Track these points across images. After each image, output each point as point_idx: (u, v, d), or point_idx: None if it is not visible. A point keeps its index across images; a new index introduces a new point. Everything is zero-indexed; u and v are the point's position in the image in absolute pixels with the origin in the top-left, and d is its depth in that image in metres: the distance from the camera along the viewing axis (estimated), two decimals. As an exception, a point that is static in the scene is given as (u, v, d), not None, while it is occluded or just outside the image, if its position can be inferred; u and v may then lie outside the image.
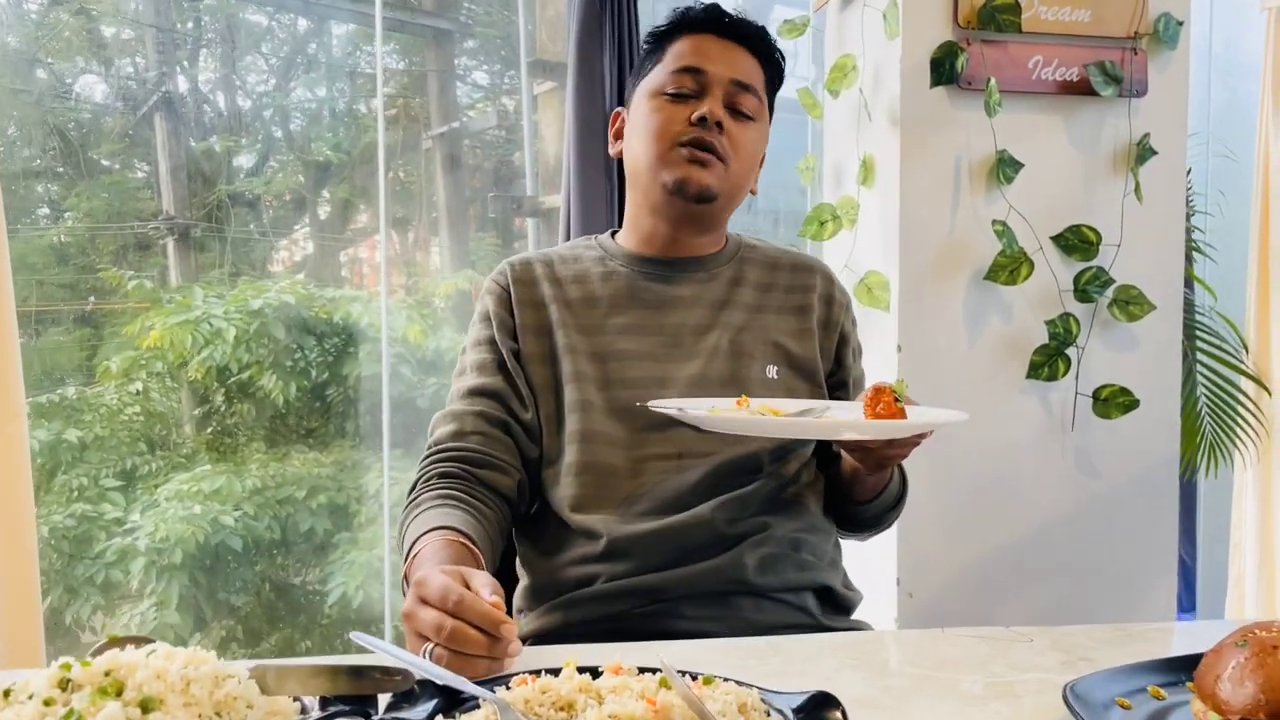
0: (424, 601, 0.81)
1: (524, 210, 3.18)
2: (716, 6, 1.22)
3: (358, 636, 0.76)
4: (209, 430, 3.20)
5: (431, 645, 0.79)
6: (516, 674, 0.73)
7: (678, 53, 1.19)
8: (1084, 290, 1.90)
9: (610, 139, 1.29)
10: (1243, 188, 2.81)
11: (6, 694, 0.61)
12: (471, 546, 0.97)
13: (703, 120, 1.14)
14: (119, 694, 0.60)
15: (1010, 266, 1.86)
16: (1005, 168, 1.86)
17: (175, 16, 3.22)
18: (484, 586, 0.82)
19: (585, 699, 0.69)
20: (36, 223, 3.10)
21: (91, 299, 3.17)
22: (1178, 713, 0.74)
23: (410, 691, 0.68)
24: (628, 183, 1.25)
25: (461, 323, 3.22)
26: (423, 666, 0.71)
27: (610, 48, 2.20)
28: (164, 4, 3.17)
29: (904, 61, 1.87)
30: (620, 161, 1.28)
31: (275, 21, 3.50)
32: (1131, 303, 1.91)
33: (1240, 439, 2.60)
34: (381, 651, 0.74)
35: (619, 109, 1.29)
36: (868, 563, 1.93)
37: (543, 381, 1.16)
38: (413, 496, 1.09)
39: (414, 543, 0.98)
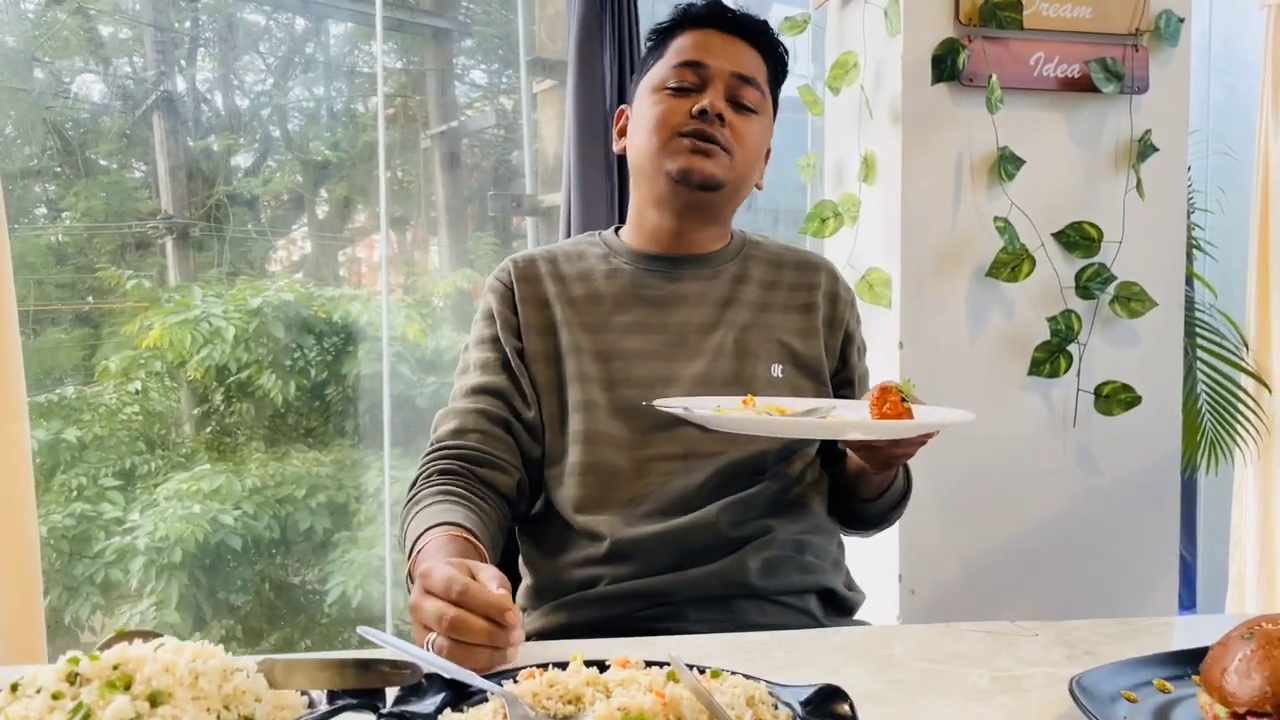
0: (428, 593, 0.81)
1: (523, 209, 3.18)
2: (718, 2, 1.22)
3: (365, 630, 0.76)
4: (208, 429, 3.19)
5: (434, 635, 0.79)
6: (524, 667, 0.73)
7: (679, 47, 1.19)
8: (1085, 287, 1.91)
9: (614, 136, 1.29)
10: (1242, 185, 2.81)
11: (14, 688, 0.61)
12: (475, 541, 0.97)
13: (704, 113, 1.14)
14: (127, 688, 0.59)
15: (1012, 263, 1.86)
16: (1007, 164, 1.86)
17: (173, 16, 3.22)
18: (491, 580, 0.82)
19: (593, 692, 0.68)
20: (35, 222, 3.10)
21: (90, 298, 3.16)
22: (1184, 706, 0.74)
23: (418, 685, 0.68)
24: (632, 178, 1.25)
25: (460, 321, 3.22)
26: (430, 660, 0.71)
27: (610, 46, 2.20)
28: (162, 3, 3.17)
29: (905, 58, 1.87)
30: (622, 159, 1.28)
31: (273, 21, 3.50)
32: (1133, 299, 1.91)
33: (1240, 436, 2.60)
34: (388, 645, 0.73)
35: (623, 106, 1.29)
36: (870, 560, 1.93)
37: (546, 380, 1.16)
38: (413, 493, 1.09)
39: (417, 539, 0.97)
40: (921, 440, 1.02)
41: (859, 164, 1.98)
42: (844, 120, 2.08)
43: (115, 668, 0.61)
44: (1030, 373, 1.91)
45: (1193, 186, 2.50)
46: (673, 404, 1.02)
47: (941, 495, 1.90)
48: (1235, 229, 2.84)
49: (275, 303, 3.07)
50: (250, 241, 3.41)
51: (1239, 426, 2.59)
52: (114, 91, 3.25)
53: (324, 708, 0.65)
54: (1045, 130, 1.92)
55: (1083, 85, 1.90)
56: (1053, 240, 1.91)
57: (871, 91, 1.97)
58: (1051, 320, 1.90)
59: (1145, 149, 1.92)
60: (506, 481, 1.12)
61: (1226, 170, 3.00)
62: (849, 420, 1.02)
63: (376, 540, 3.04)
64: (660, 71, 1.19)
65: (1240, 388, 2.61)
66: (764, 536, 1.12)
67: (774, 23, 1.26)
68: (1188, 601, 2.83)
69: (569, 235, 2.22)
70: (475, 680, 0.70)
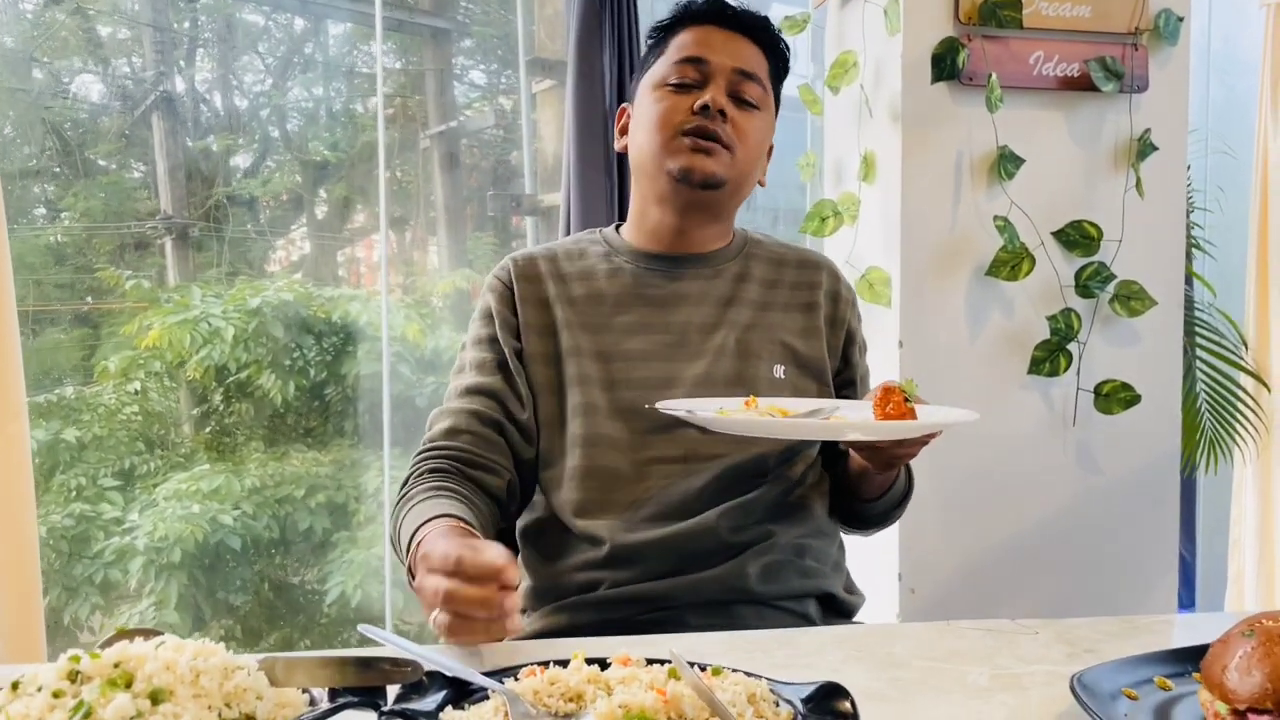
0: (430, 572, 0.81)
1: (522, 209, 3.18)
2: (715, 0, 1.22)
3: (366, 628, 0.76)
4: (207, 429, 3.19)
5: (436, 612, 0.79)
6: (525, 665, 0.73)
7: (680, 44, 1.19)
8: (1085, 286, 1.91)
9: (615, 135, 1.28)
10: (1241, 184, 2.81)
11: (15, 686, 0.61)
12: (473, 531, 0.97)
13: (705, 108, 1.14)
14: (128, 686, 0.59)
15: (1011, 262, 1.86)
16: (1006, 163, 1.86)
17: (172, 16, 3.22)
18: (489, 547, 0.81)
19: (594, 690, 0.68)
20: (34, 222, 3.10)
21: (89, 299, 3.16)
22: (1185, 703, 0.74)
23: (419, 683, 0.68)
24: (633, 176, 1.24)
25: (460, 321, 3.22)
26: (430, 658, 0.71)
27: (610, 45, 2.20)
28: (161, 3, 3.17)
29: (905, 57, 1.87)
30: (622, 158, 1.27)
31: (272, 21, 3.50)
32: (1133, 298, 1.91)
33: (1239, 435, 2.60)
34: (389, 643, 0.73)
35: (624, 105, 1.28)
36: (870, 559, 1.93)
37: (545, 382, 1.15)
38: (405, 491, 1.08)
39: (415, 531, 0.98)
40: (925, 440, 1.02)
41: (859, 163, 1.98)
42: (844, 119, 2.08)
43: (116, 665, 0.61)
44: (1030, 371, 1.91)
45: (1192, 185, 2.51)
46: (676, 406, 1.02)
47: (941, 494, 1.90)
48: (1234, 228, 2.84)
49: (274, 303, 3.06)
50: (249, 241, 3.41)
51: (1238, 425, 2.59)
52: (113, 92, 3.25)
53: (325, 705, 0.65)
54: (1045, 129, 1.92)
55: (1082, 84, 1.90)
56: (1052, 239, 1.92)
57: (871, 90, 1.97)
58: (1051, 319, 1.90)
59: (1145, 148, 1.92)
60: (497, 483, 1.11)
61: (1226, 169, 3.00)
62: (852, 421, 1.02)
63: (376, 540, 3.04)
64: (661, 68, 1.19)
65: (1239, 386, 2.61)
66: (764, 542, 1.12)
67: (774, 22, 1.26)
68: (1187, 600, 2.83)
69: (569, 235, 2.22)
70: (477, 678, 0.70)
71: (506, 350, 1.16)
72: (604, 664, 0.73)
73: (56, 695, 0.59)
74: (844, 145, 2.08)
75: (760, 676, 0.71)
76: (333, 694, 0.66)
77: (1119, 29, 1.91)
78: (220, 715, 0.60)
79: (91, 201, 3.10)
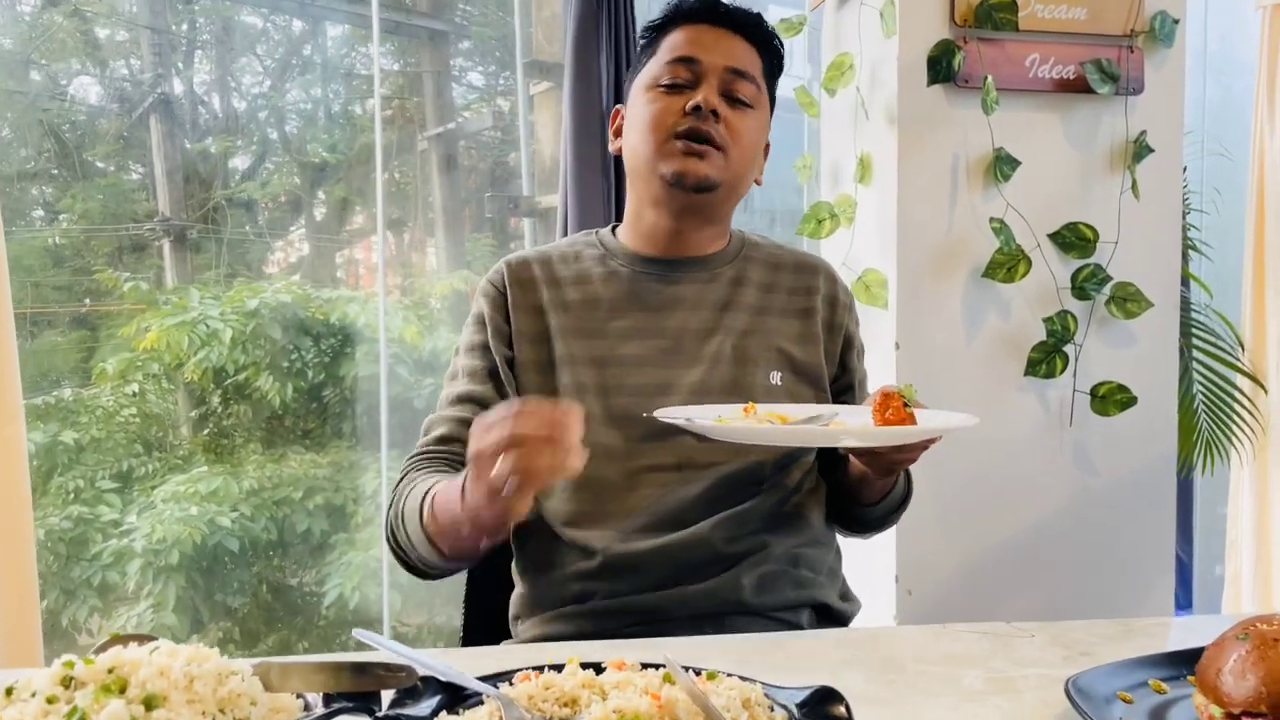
0: (485, 430, 0.83)
1: (520, 210, 3.18)
2: None
3: (360, 633, 0.76)
4: (205, 432, 3.19)
5: (497, 471, 0.80)
6: (519, 670, 0.73)
7: (672, 44, 1.18)
8: (1081, 288, 1.91)
9: (610, 136, 1.27)
10: (1238, 186, 2.82)
11: (9, 691, 0.61)
12: None
13: (697, 109, 1.12)
14: (122, 691, 0.59)
15: (1008, 264, 1.86)
16: (1002, 165, 1.87)
17: (170, 18, 3.22)
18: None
19: (589, 694, 0.69)
20: (31, 224, 3.10)
21: (87, 301, 3.16)
22: (1179, 706, 0.75)
23: (414, 688, 0.68)
24: (628, 178, 1.23)
25: (458, 323, 3.21)
26: (425, 663, 0.71)
27: (607, 47, 2.20)
28: (159, 5, 3.17)
29: (901, 60, 1.87)
30: (619, 160, 1.27)
31: (270, 23, 3.50)
32: (1129, 300, 1.91)
33: (1236, 436, 2.60)
34: (384, 648, 0.73)
35: (618, 106, 1.27)
36: (867, 561, 1.93)
37: (537, 390, 1.14)
38: (401, 483, 1.09)
39: (426, 492, 1.00)
40: (925, 445, 1.01)
41: (855, 165, 1.98)
42: (840, 121, 2.08)
43: (110, 671, 0.61)
44: (1026, 373, 1.91)
45: (1188, 187, 2.51)
46: (674, 414, 1.01)
47: (938, 495, 1.90)
48: (1231, 229, 2.85)
49: (272, 304, 3.07)
50: (248, 243, 3.41)
51: (1235, 426, 2.60)
52: (111, 94, 3.25)
53: (320, 711, 0.65)
54: (1041, 131, 1.92)
55: (1078, 86, 1.90)
56: (1048, 241, 1.92)
57: (867, 93, 1.98)
58: (1047, 321, 1.90)
59: (1140, 150, 1.92)
60: None
61: (1222, 171, 3.00)
62: (851, 428, 1.02)
63: (374, 542, 3.04)
64: (653, 69, 1.18)
65: (1236, 388, 2.62)
66: (759, 552, 1.11)
67: (770, 23, 1.25)
68: (1184, 601, 2.83)
69: (565, 236, 2.22)
70: (471, 683, 0.70)
71: (498, 358, 1.16)
72: (599, 668, 0.73)
73: (50, 701, 0.59)
74: (840, 147, 2.08)
75: (755, 681, 0.71)
76: (327, 699, 0.66)
77: (1114, 31, 1.91)
78: (214, 721, 0.60)
79: (89, 203, 3.10)
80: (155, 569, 2.84)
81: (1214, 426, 2.59)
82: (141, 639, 0.66)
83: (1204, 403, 2.59)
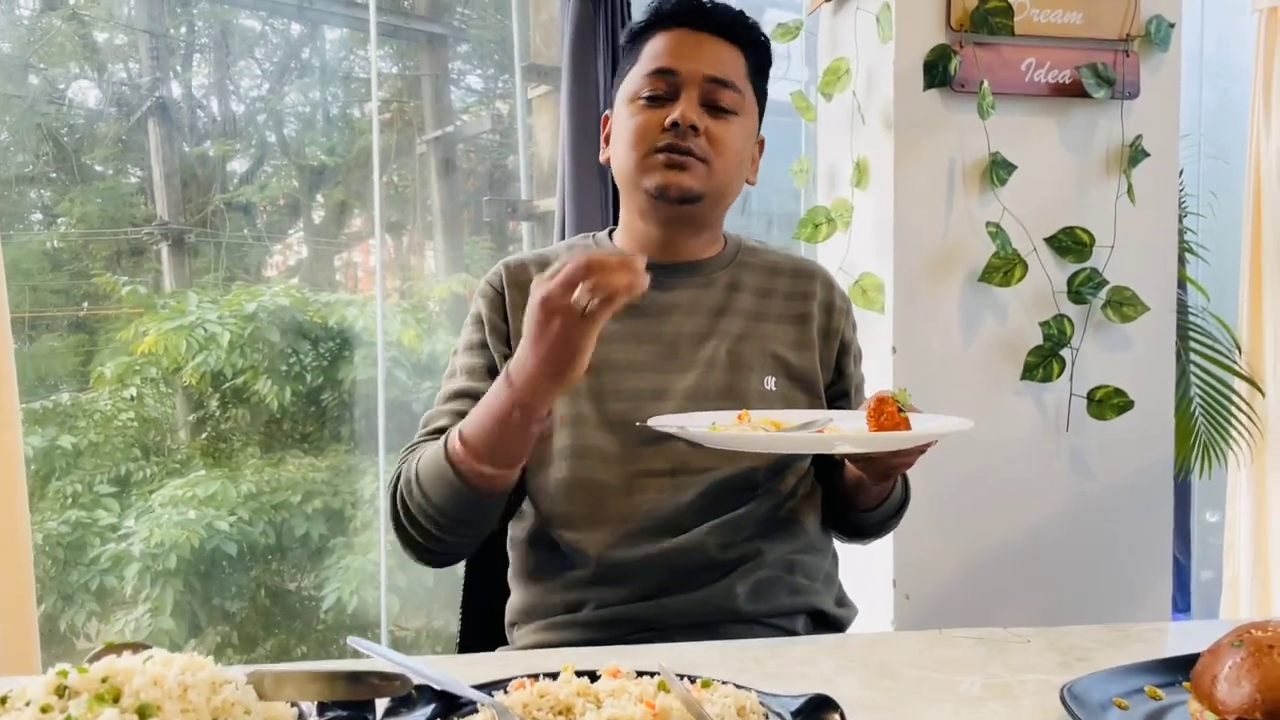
0: (551, 276, 0.88)
1: (518, 214, 3.19)
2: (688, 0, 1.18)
3: (355, 641, 0.76)
4: (204, 435, 3.19)
5: (579, 293, 0.85)
6: (514, 678, 0.73)
7: (650, 54, 1.16)
8: (1078, 291, 1.91)
9: (601, 144, 1.27)
10: (1234, 189, 2.82)
11: (3, 700, 0.61)
12: None
13: (676, 125, 1.11)
14: (116, 700, 0.59)
15: (1004, 268, 1.87)
16: (998, 170, 1.87)
17: (168, 21, 3.22)
18: None
19: (584, 703, 0.69)
20: (29, 228, 3.10)
21: (85, 305, 3.16)
22: (1175, 713, 0.75)
23: (408, 697, 0.68)
24: (619, 187, 1.24)
25: (456, 326, 3.22)
26: (420, 671, 0.71)
27: (604, 51, 2.20)
28: (157, 9, 3.17)
29: (897, 64, 1.87)
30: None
31: (269, 26, 3.50)
32: (1125, 304, 1.91)
33: (1234, 439, 2.61)
34: (379, 656, 0.73)
35: (606, 113, 1.26)
36: (864, 565, 1.93)
37: None
38: (402, 464, 1.08)
39: (444, 439, 1.01)
40: (920, 449, 1.01)
41: (851, 169, 1.99)
42: (836, 126, 2.08)
43: (104, 680, 0.60)
44: (1023, 377, 1.91)
45: (1185, 190, 2.51)
46: (667, 422, 1.01)
47: (936, 500, 1.90)
48: (1227, 232, 2.85)
49: (271, 308, 3.07)
50: (246, 247, 3.42)
51: (1232, 429, 2.60)
52: (109, 97, 3.25)
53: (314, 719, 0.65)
54: (1036, 136, 1.93)
55: (1074, 91, 1.91)
56: (1045, 245, 1.92)
57: (864, 97, 1.98)
58: (1044, 325, 1.90)
59: (1136, 154, 1.92)
60: None
61: (1219, 174, 3.00)
62: (846, 434, 1.02)
63: (372, 546, 3.04)
64: (633, 80, 1.17)
65: (1233, 390, 2.62)
66: (753, 559, 1.11)
67: (767, 28, 1.25)
68: (1182, 604, 2.83)
69: (564, 240, 2.22)
70: (466, 691, 0.70)
71: (496, 356, 1.16)
72: (594, 676, 0.73)
73: (44, 710, 0.59)
74: (837, 151, 2.08)
75: (750, 689, 0.71)
76: (322, 708, 0.66)
77: (1110, 35, 1.92)
78: (208, 730, 0.60)
79: (88, 207, 3.10)
80: (153, 573, 2.84)
81: (1211, 430, 2.59)
82: (135, 648, 0.65)
83: (1201, 406, 2.59)
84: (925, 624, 1.88)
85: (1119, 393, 1.91)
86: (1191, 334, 2.57)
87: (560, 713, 0.68)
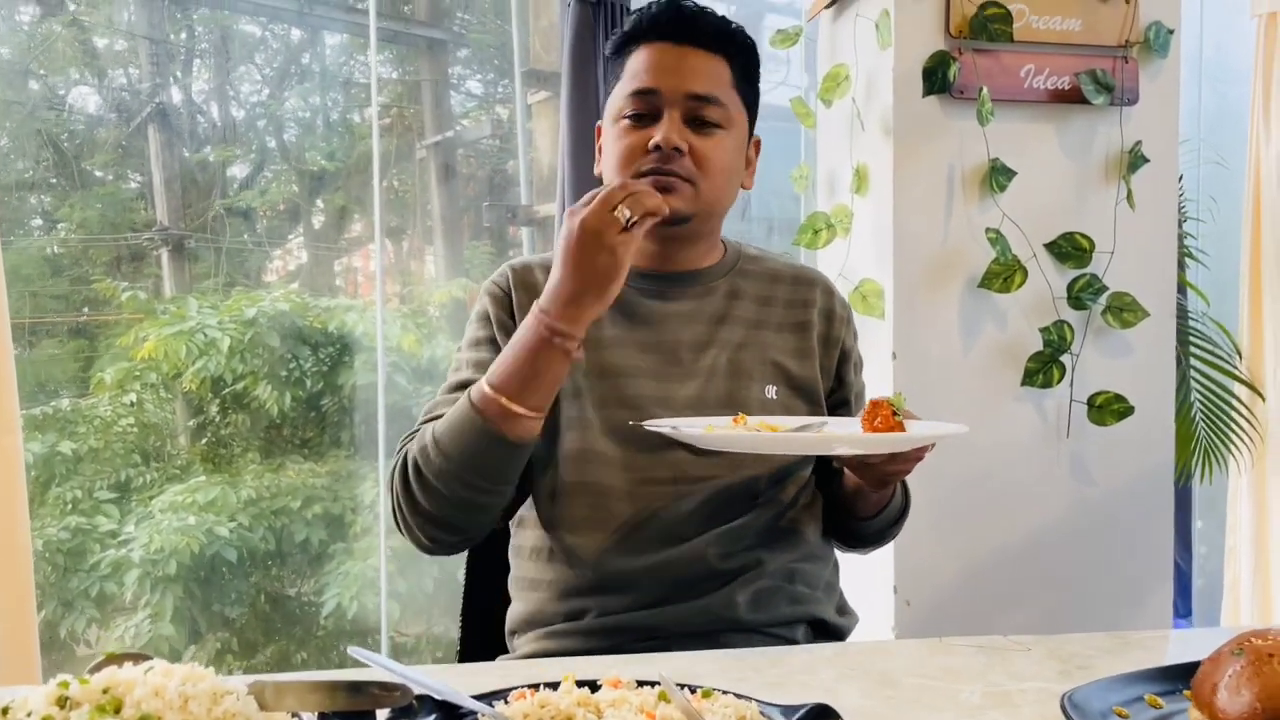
0: (584, 204, 0.97)
1: (518, 219, 3.19)
2: (667, 8, 1.15)
3: (356, 651, 0.76)
4: (203, 441, 3.19)
5: (620, 210, 0.95)
6: (515, 688, 0.73)
7: (632, 71, 1.15)
8: (1078, 297, 1.91)
9: (596, 156, 1.25)
10: (1234, 194, 2.82)
11: (5, 711, 0.61)
12: None
13: (659, 148, 1.10)
14: (117, 711, 0.59)
15: (1004, 274, 1.87)
16: (998, 176, 1.87)
17: (168, 27, 3.23)
18: None
19: (584, 713, 0.68)
20: (29, 234, 3.10)
21: (85, 310, 3.16)
22: (1175, 721, 0.75)
23: (409, 707, 0.68)
24: None
25: (456, 331, 3.22)
26: (421, 681, 0.71)
27: (604, 56, 2.20)
28: (157, 15, 3.18)
29: (896, 71, 1.87)
30: None
31: (269, 32, 3.51)
32: (1125, 309, 1.92)
33: (1234, 444, 2.61)
34: (379, 666, 0.73)
35: (599, 124, 1.24)
36: (865, 572, 1.93)
37: None
38: (405, 443, 1.08)
39: (465, 395, 1.03)
40: (918, 455, 1.01)
41: (851, 175, 1.99)
42: (836, 132, 2.08)
43: (105, 691, 0.60)
44: (1023, 383, 1.91)
45: (1185, 195, 2.51)
46: (661, 424, 1.01)
47: (936, 506, 1.90)
48: (1227, 237, 2.85)
49: (271, 313, 3.07)
50: (246, 252, 3.42)
51: (1233, 434, 2.60)
52: (109, 103, 3.26)
53: (315, 730, 0.65)
54: (1036, 142, 1.93)
55: (1073, 97, 1.91)
56: (1044, 251, 1.92)
57: (863, 103, 1.98)
58: (1044, 331, 1.90)
59: (1136, 160, 1.93)
60: None
61: (1219, 179, 3.01)
62: (840, 435, 1.02)
63: (372, 552, 3.04)
64: (617, 100, 1.16)
65: (1234, 395, 2.62)
66: (754, 569, 1.11)
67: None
68: (1183, 610, 2.83)
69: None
70: (466, 702, 0.70)
71: None
72: (594, 686, 0.73)
73: (46, 721, 0.59)
74: (836, 157, 2.08)
75: (750, 699, 0.71)
76: (322, 718, 0.66)
77: (1109, 42, 1.92)
78: (209, 741, 0.60)
79: (88, 213, 3.10)
80: (153, 579, 2.84)
81: (1212, 434, 2.59)
82: (136, 658, 0.65)
83: (1201, 411, 2.59)
84: (926, 630, 1.88)
85: (1119, 398, 1.91)
86: (1192, 339, 2.57)
87: (561, 723, 0.68)
